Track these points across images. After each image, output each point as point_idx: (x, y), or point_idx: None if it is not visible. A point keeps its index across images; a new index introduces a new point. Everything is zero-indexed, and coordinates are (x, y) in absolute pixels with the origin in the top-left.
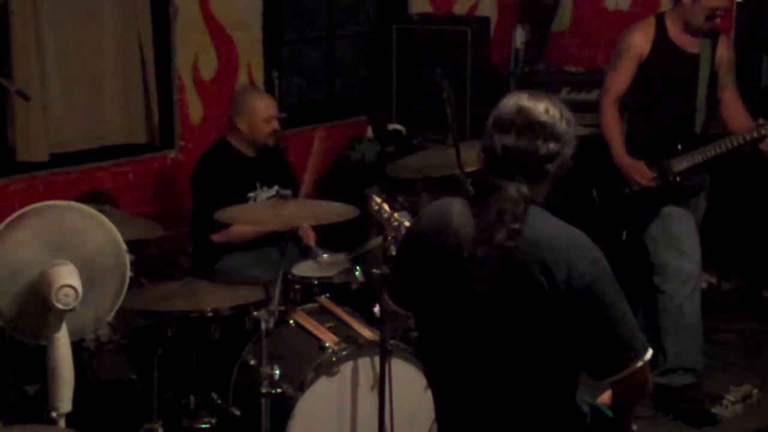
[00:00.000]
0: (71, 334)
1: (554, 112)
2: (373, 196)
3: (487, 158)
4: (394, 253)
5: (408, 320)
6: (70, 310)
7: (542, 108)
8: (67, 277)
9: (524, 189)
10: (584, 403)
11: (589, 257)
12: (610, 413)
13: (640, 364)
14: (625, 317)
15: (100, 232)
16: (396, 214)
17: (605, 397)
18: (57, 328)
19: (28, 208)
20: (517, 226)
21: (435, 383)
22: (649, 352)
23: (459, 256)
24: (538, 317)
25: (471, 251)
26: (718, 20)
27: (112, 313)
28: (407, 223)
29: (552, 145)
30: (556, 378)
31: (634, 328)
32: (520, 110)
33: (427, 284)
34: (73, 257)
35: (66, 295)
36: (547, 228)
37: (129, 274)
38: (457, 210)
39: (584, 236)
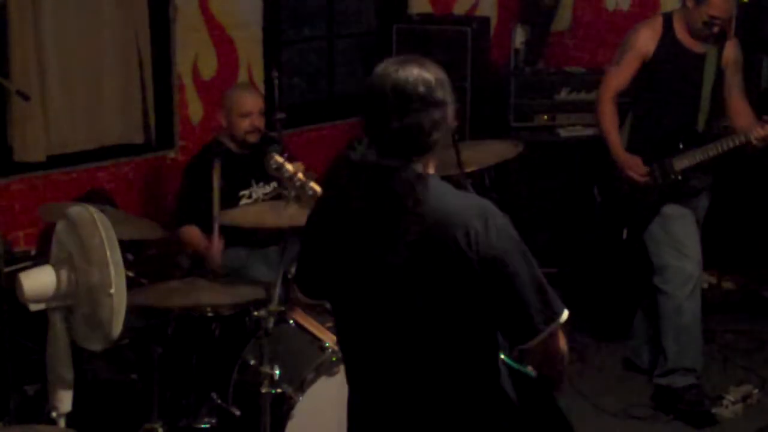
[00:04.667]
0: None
1: (428, 77)
2: (273, 154)
3: (372, 141)
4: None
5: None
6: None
7: (415, 78)
8: (26, 277)
9: (419, 167)
10: (504, 366)
11: (495, 225)
12: (531, 374)
13: (550, 329)
14: (534, 283)
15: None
16: (300, 174)
17: None
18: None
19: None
20: (419, 210)
21: (354, 372)
22: (563, 316)
23: (368, 242)
24: (452, 288)
25: (377, 241)
26: (716, 29)
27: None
28: (313, 184)
29: (435, 113)
30: (474, 347)
31: (544, 293)
32: (394, 88)
33: (340, 268)
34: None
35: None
36: (450, 199)
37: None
38: (355, 192)
39: (488, 204)
